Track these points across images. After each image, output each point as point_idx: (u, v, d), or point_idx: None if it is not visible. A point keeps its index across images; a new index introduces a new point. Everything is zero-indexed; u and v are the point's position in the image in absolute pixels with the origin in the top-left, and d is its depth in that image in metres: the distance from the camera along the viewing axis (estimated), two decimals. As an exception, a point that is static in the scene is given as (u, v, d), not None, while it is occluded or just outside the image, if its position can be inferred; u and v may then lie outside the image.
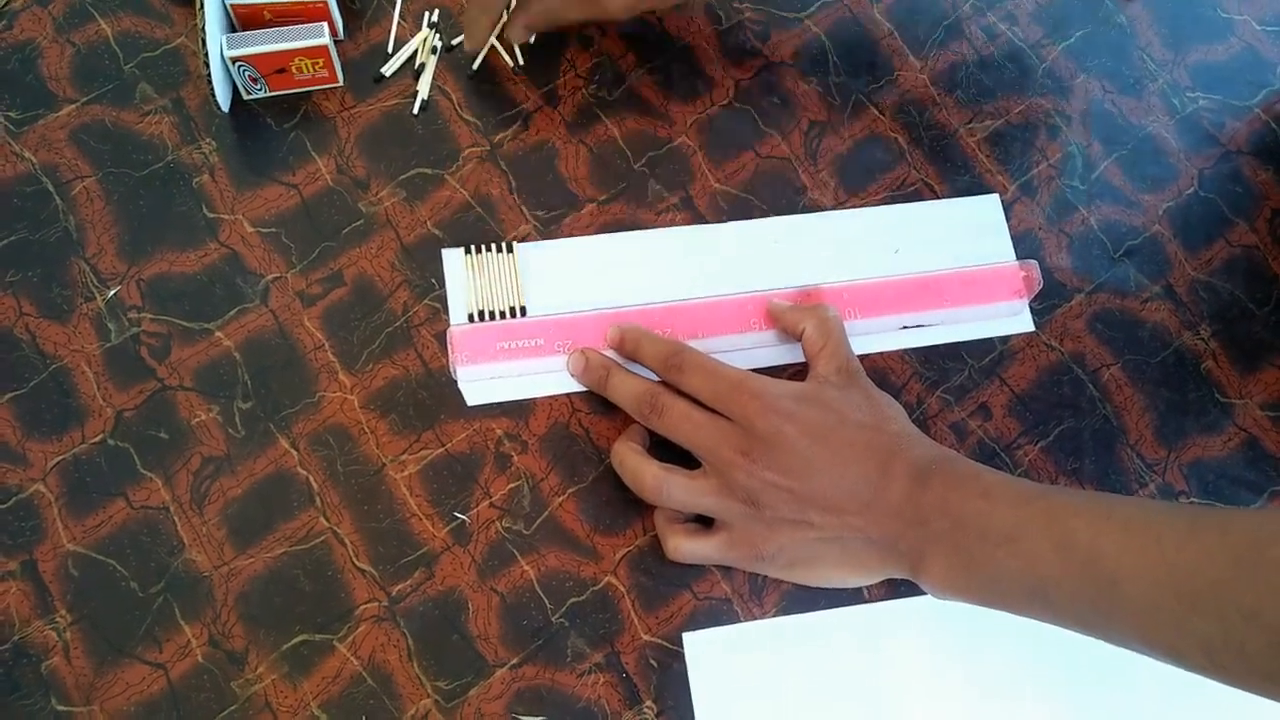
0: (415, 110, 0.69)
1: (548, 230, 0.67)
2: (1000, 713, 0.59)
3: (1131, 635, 0.50)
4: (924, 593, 0.61)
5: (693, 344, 0.64)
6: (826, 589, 0.60)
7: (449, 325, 0.64)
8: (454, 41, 0.70)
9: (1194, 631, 0.47)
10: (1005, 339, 0.67)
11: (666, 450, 0.61)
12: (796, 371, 0.65)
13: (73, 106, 0.67)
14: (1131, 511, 0.51)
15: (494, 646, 0.58)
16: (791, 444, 0.56)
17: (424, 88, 0.69)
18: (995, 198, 0.70)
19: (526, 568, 0.60)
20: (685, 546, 0.59)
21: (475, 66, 0.69)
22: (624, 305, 0.65)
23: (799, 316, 0.62)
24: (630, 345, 0.62)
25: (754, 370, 0.60)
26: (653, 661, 0.59)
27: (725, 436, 0.57)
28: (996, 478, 0.55)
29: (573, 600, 0.60)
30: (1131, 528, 0.50)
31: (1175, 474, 0.65)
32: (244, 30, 0.66)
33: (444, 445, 0.62)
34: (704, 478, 0.58)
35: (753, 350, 0.65)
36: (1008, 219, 0.70)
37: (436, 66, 0.70)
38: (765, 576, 0.61)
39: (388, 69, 0.69)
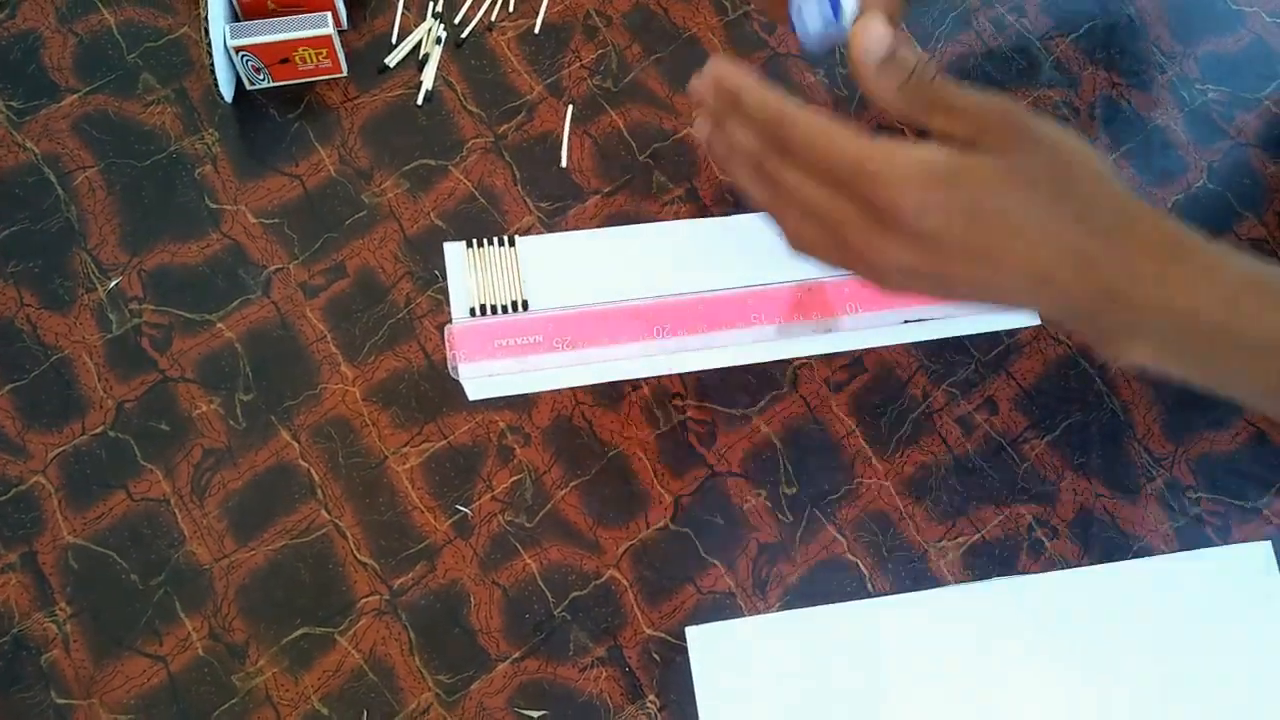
0: (419, 101, 0.68)
1: (551, 222, 0.66)
2: (1001, 705, 0.59)
3: None
4: (926, 586, 0.61)
5: (696, 339, 0.63)
6: (831, 590, 0.60)
7: (451, 319, 0.63)
8: (461, 36, 0.70)
9: None
10: (1012, 333, 0.67)
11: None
12: (802, 364, 0.64)
13: (75, 96, 0.67)
14: None
15: (496, 640, 0.58)
16: (935, 238, 0.42)
17: (428, 78, 0.68)
18: (1002, 190, 0.70)
19: (528, 561, 0.60)
20: (797, 228, 0.46)
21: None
22: (625, 299, 0.64)
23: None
24: (730, 90, 0.45)
25: (757, 364, 0.60)
26: (655, 655, 0.59)
27: (851, 226, 0.43)
28: (1235, 273, 0.44)
29: (575, 594, 0.59)
30: None
31: (1183, 468, 0.64)
32: (247, 20, 0.66)
33: (446, 438, 0.62)
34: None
35: (756, 345, 0.64)
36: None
37: (441, 57, 0.69)
38: (769, 571, 0.60)
39: (391, 59, 0.69)
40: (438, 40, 0.70)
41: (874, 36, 0.44)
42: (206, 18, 0.62)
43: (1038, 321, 0.67)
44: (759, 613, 0.60)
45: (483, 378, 0.63)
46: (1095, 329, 0.45)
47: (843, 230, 0.44)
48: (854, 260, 0.44)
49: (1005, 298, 0.45)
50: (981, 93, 0.43)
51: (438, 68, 0.69)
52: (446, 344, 0.62)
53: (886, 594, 0.61)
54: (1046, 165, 0.43)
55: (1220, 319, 0.43)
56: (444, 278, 0.64)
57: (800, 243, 0.46)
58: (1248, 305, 0.43)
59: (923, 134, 0.44)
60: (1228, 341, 0.44)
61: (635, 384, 0.63)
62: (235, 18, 0.67)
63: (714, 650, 0.59)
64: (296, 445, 0.61)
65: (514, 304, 0.64)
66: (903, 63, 0.44)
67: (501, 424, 0.62)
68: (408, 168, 0.67)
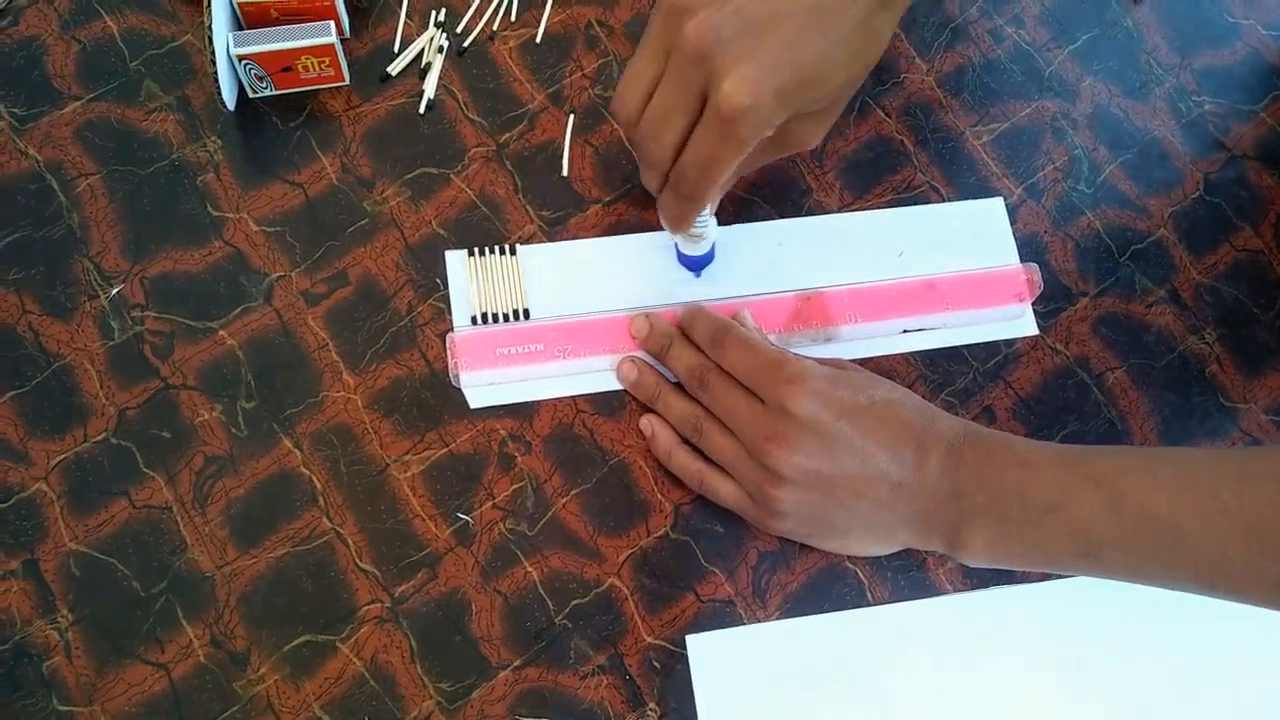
0: (421, 109, 0.68)
1: (553, 231, 0.67)
2: (1001, 713, 0.59)
3: (1195, 584, 0.52)
4: (925, 595, 0.61)
5: (696, 345, 0.64)
6: (831, 598, 0.60)
7: (452, 328, 0.64)
8: (464, 44, 0.70)
9: (1265, 573, 0.49)
10: (1010, 342, 0.67)
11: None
12: (801, 374, 0.65)
13: (78, 104, 0.67)
14: (1178, 465, 0.52)
15: (497, 648, 0.58)
16: (824, 428, 0.56)
17: (430, 87, 0.69)
18: (1000, 201, 0.70)
19: (530, 569, 0.60)
20: (710, 483, 0.60)
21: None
22: (626, 308, 0.65)
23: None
24: (687, 319, 0.63)
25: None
26: (656, 664, 0.59)
27: (759, 420, 0.57)
28: (1030, 445, 0.56)
29: (576, 602, 0.60)
30: (1182, 482, 0.51)
31: (1180, 479, 0.65)
32: (250, 28, 0.66)
33: (447, 446, 0.62)
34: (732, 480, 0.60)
35: (757, 352, 0.65)
36: (1013, 222, 0.70)
37: (443, 66, 0.70)
38: (769, 579, 0.60)
39: (394, 68, 0.69)
40: (440, 49, 0.70)
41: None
42: (210, 26, 0.62)
43: (1034, 331, 0.67)
44: (759, 621, 0.60)
45: (484, 386, 0.63)
46: (944, 530, 0.56)
47: (753, 433, 0.57)
48: (751, 466, 0.57)
49: (874, 507, 0.56)
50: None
51: (440, 77, 0.69)
52: (448, 353, 0.62)
53: (886, 603, 0.61)
54: (893, 392, 0.59)
55: (1018, 482, 0.54)
56: (445, 286, 0.65)
57: (716, 450, 0.59)
58: (1036, 468, 0.54)
59: None
60: (1030, 505, 0.54)
61: (636, 393, 0.64)
62: (238, 26, 0.67)
63: (714, 658, 0.59)
64: (298, 453, 0.61)
65: (515, 312, 0.64)
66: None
67: (503, 432, 0.62)
68: (409, 176, 0.67)
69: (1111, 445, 0.58)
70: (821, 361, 0.60)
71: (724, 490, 0.60)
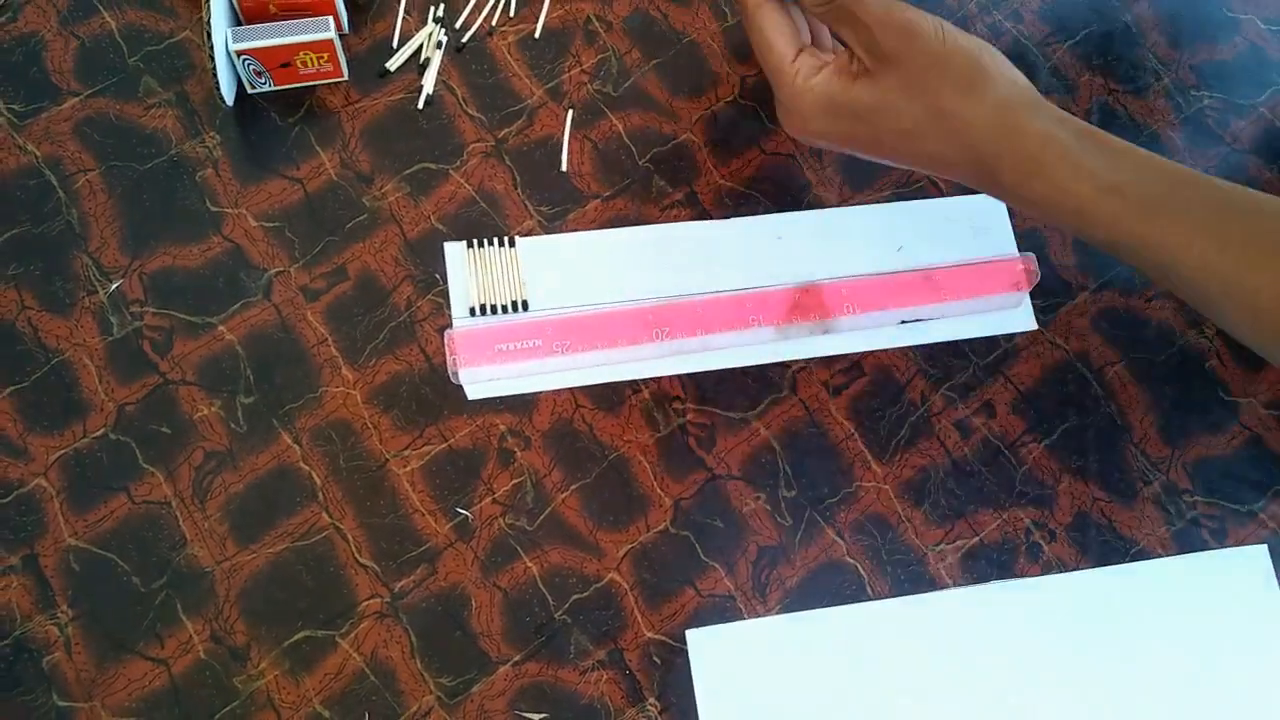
0: (420, 105, 0.68)
1: (552, 226, 0.67)
2: (1001, 708, 0.59)
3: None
4: (925, 590, 0.61)
5: (694, 341, 0.64)
6: (830, 593, 0.60)
7: (451, 322, 0.64)
8: (463, 40, 0.70)
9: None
10: (1009, 336, 0.67)
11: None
12: (801, 368, 0.65)
13: (76, 99, 0.67)
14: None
15: (496, 643, 0.58)
16: (826, 145, 0.60)
17: (429, 83, 0.69)
18: (1000, 195, 0.70)
19: (529, 564, 0.60)
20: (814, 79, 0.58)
21: None
22: (626, 300, 0.65)
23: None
24: None
25: (757, 367, 0.60)
26: (656, 658, 0.59)
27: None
28: (1130, 162, 0.54)
29: (575, 597, 0.59)
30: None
31: (1179, 472, 0.65)
32: (249, 24, 0.66)
33: (447, 441, 0.62)
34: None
35: (755, 346, 0.65)
36: (1012, 216, 0.70)
37: (441, 61, 0.70)
38: (768, 574, 0.60)
39: (392, 64, 0.69)
40: (438, 45, 0.70)
41: None
42: (208, 21, 0.62)
43: (1034, 326, 0.67)
44: (759, 615, 0.60)
45: (483, 382, 0.63)
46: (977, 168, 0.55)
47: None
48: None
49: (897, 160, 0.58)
50: (889, 7, 0.54)
51: (438, 72, 0.69)
52: (446, 349, 0.62)
53: (885, 597, 0.61)
54: (937, 73, 0.54)
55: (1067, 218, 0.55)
56: (444, 280, 0.65)
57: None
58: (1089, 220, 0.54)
59: None
60: (1048, 212, 0.55)
61: (635, 387, 0.64)
62: (237, 21, 0.67)
63: (714, 653, 0.59)
64: (298, 448, 0.61)
65: (514, 304, 0.64)
66: None
67: (502, 427, 0.62)
68: (408, 171, 0.67)
69: (1216, 195, 0.54)
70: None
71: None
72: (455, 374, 0.62)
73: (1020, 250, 0.69)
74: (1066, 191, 0.53)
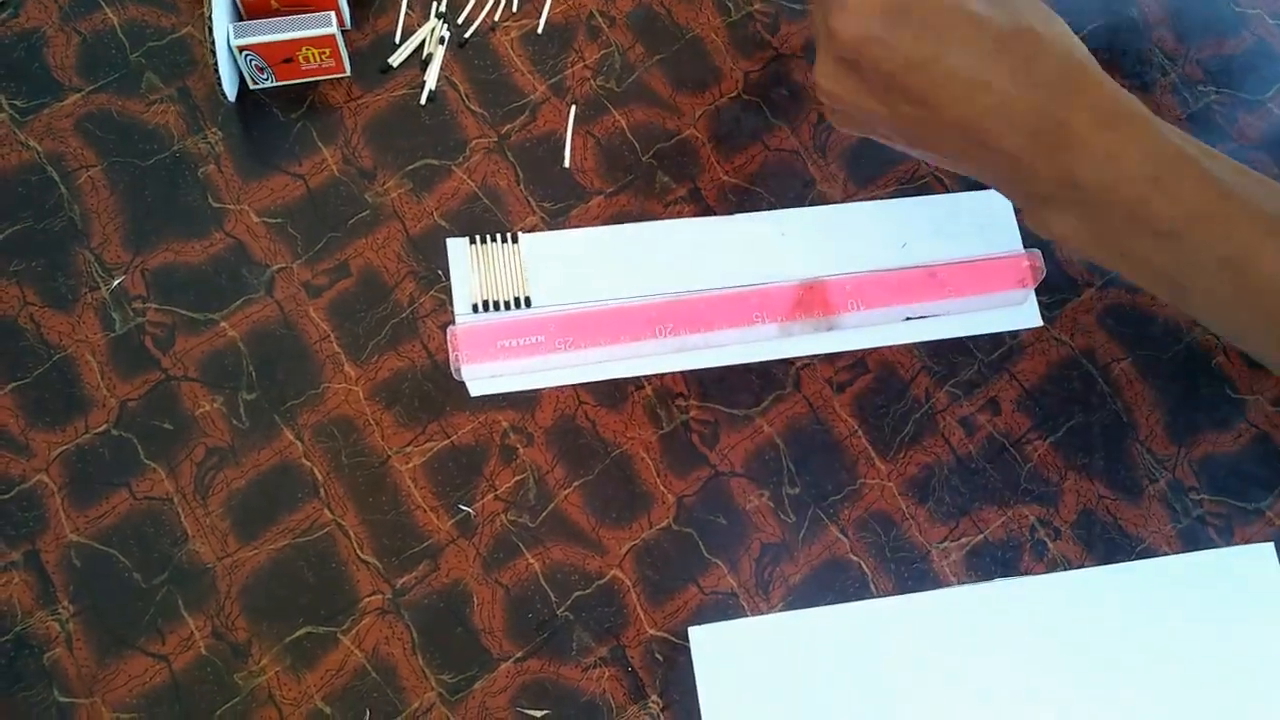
0: (423, 101, 0.68)
1: (555, 222, 0.66)
2: (1005, 707, 0.59)
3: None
4: (928, 587, 0.61)
5: (697, 338, 0.63)
6: (834, 590, 0.60)
7: (454, 317, 0.63)
8: (466, 35, 0.70)
9: None
10: (1015, 333, 0.67)
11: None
12: (804, 365, 0.65)
13: (78, 95, 0.67)
14: None
15: (498, 640, 0.58)
16: (877, 72, 0.47)
17: (431, 78, 0.68)
18: (1005, 191, 0.70)
19: (531, 561, 0.60)
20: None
21: None
22: (629, 297, 0.64)
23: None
24: None
25: (760, 364, 0.60)
26: (658, 655, 0.59)
27: (815, 33, 0.49)
28: (1171, 151, 0.46)
29: (578, 594, 0.59)
30: None
31: (1185, 470, 0.64)
32: (250, 19, 0.66)
33: (449, 437, 0.62)
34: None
35: (758, 343, 0.65)
36: (1018, 212, 0.69)
37: (444, 57, 0.69)
38: (771, 571, 0.60)
39: (395, 59, 0.69)
40: (441, 40, 0.70)
41: None
42: (210, 17, 0.62)
43: (1039, 323, 0.67)
44: (762, 613, 0.60)
45: (485, 379, 0.63)
46: (1022, 193, 0.47)
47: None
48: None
49: (938, 146, 0.47)
50: None
51: (441, 67, 0.69)
52: (449, 345, 0.62)
53: (889, 594, 0.61)
54: (999, 10, 0.46)
55: (1137, 195, 0.45)
56: (447, 277, 0.64)
57: None
58: (1167, 183, 0.45)
59: None
60: (1141, 224, 0.46)
61: (638, 384, 0.63)
62: (239, 17, 0.67)
63: (717, 650, 0.58)
64: (300, 444, 0.61)
65: (516, 300, 0.64)
66: None
67: (504, 424, 0.62)
68: (411, 167, 0.67)
69: (1260, 195, 0.47)
70: None
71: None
72: (458, 370, 0.62)
73: (1025, 247, 0.68)
74: (1150, 144, 0.45)
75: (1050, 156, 0.46)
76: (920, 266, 0.66)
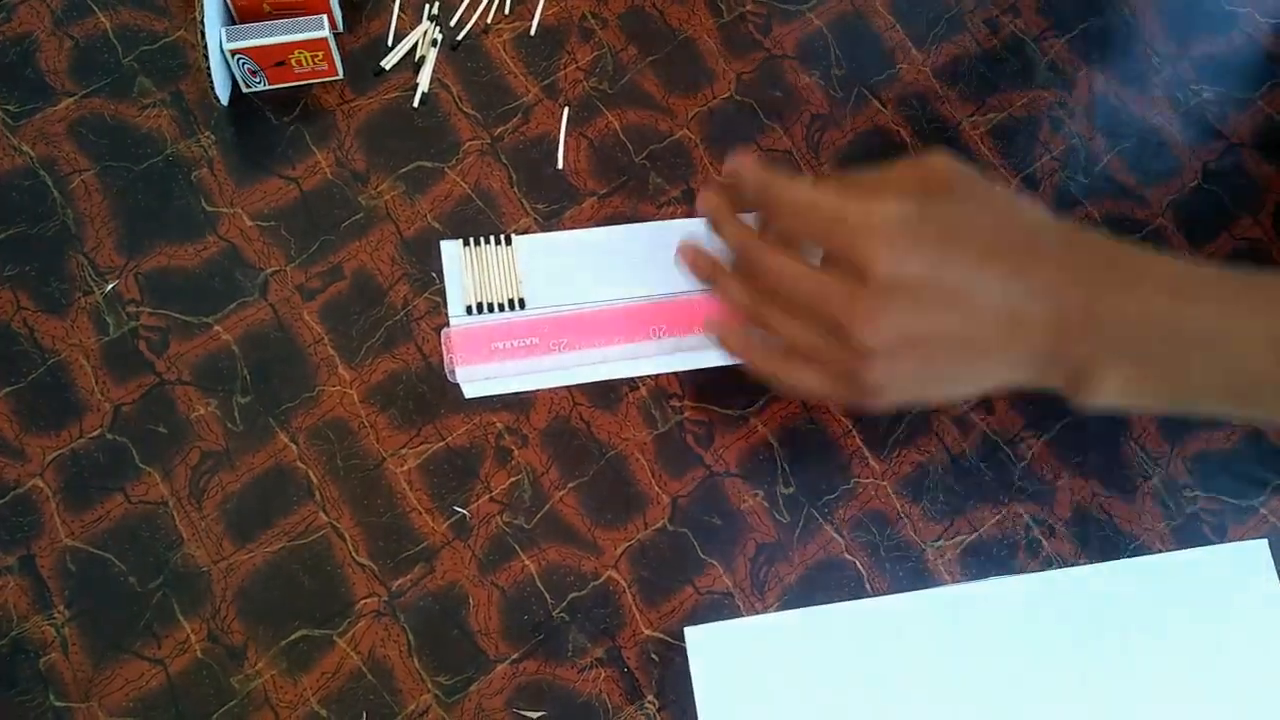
0: (415, 103, 0.68)
1: (548, 224, 0.66)
2: (1001, 704, 0.59)
3: None
4: (924, 586, 0.61)
5: (690, 339, 0.63)
6: (829, 589, 0.60)
7: (448, 319, 0.63)
8: (458, 38, 0.70)
9: None
10: (1008, 332, 0.67)
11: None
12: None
13: (71, 100, 0.67)
14: None
15: (494, 641, 0.58)
16: (913, 284, 0.45)
17: (424, 81, 0.69)
18: (998, 191, 0.70)
19: (527, 562, 0.60)
20: (786, 373, 0.51)
21: None
22: (622, 298, 0.64)
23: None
24: (733, 173, 0.51)
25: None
26: (654, 656, 0.59)
27: (830, 289, 0.47)
28: (1174, 268, 0.47)
29: (573, 595, 0.59)
30: None
31: (1179, 467, 0.65)
32: (243, 23, 0.66)
33: (444, 439, 0.62)
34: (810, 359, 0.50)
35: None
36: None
37: (436, 59, 0.69)
38: (767, 571, 0.60)
39: (387, 62, 0.69)
40: (433, 43, 0.70)
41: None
42: (202, 21, 0.62)
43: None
44: (757, 613, 0.60)
45: (480, 381, 0.63)
46: (1068, 369, 0.47)
47: (828, 310, 0.47)
48: (835, 349, 0.47)
49: (984, 355, 0.47)
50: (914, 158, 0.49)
51: (433, 70, 0.69)
52: (444, 348, 0.62)
53: (884, 593, 0.61)
54: (986, 208, 0.47)
55: (1166, 312, 0.45)
56: (441, 279, 0.65)
57: (788, 336, 0.49)
58: (1187, 295, 0.46)
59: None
60: (1179, 339, 0.46)
61: (633, 385, 0.64)
62: (231, 21, 0.67)
63: (713, 650, 0.59)
64: (294, 447, 0.61)
65: (511, 302, 0.64)
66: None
67: (499, 425, 0.62)
68: (404, 170, 0.67)
69: (1269, 269, 0.49)
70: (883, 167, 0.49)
71: (806, 381, 0.50)
72: (452, 372, 0.62)
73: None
74: (1163, 268, 0.47)
75: (1080, 317, 0.46)
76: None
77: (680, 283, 0.65)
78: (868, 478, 0.63)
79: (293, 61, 0.66)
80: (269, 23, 0.65)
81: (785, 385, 0.51)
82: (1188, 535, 0.63)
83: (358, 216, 0.66)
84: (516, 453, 0.62)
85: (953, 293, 0.46)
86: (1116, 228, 0.70)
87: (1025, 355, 0.47)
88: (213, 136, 0.67)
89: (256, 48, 0.64)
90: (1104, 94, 0.73)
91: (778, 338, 0.50)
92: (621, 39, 0.71)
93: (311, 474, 0.60)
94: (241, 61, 0.65)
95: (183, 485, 0.60)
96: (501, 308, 0.64)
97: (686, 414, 0.63)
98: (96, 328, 0.62)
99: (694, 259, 0.53)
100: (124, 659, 0.57)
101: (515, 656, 0.58)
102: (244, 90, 0.68)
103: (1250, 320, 0.46)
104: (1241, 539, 0.63)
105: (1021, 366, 0.48)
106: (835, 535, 0.62)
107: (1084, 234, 0.48)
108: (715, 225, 0.52)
